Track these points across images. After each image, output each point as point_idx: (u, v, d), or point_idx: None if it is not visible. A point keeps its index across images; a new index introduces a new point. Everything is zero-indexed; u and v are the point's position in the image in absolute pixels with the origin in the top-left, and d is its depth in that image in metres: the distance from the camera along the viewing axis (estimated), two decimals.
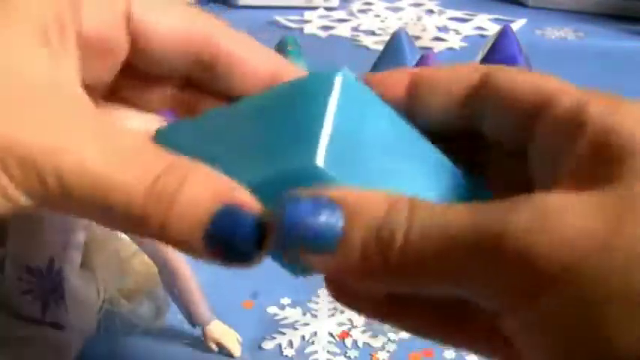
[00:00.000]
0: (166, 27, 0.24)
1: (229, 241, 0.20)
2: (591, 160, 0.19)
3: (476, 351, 0.25)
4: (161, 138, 0.25)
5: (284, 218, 0.19)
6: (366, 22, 1.09)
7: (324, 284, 0.23)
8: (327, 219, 0.19)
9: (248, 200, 0.20)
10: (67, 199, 0.20)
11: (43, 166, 0.19)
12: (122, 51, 0.25)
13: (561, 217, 0.18)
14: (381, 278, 0.20)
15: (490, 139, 0.24)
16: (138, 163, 0.20)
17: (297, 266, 0.22)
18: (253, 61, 0.26)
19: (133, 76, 0.26)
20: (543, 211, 0.18)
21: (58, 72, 0.22)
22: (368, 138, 0.22)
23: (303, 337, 0.47)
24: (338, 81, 0.22)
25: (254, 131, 0.23)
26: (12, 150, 0.19)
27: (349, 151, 0.21)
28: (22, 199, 0.20)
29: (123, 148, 0.20)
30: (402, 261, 0.19)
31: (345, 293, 0.23)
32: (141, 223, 0.20)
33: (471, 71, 0.25)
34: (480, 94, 0.24)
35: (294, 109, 0.22)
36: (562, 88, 0.23)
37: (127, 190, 0.20)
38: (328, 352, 0.46)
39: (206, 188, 0.20)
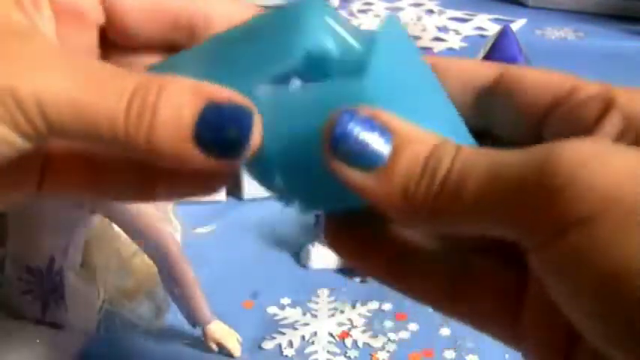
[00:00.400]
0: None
1: (220, 136, 0.20)
2: (623, 135, 0.20)
3: (479, 325, 0.25)
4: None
5: (336, 126, 0.19)
6: (366, 22, 1.09)
7: (324, 235, 0.23)
8: (379, 138, 0.20)
9: (232, 94, 0.21)
10: (54, 133, 0.20)
11: (27, 104, 0.20)
12: (96, 19, 0.25)
13: (606, 154, 0.18)
14: (418, 212, 0.20)
15: (503, 140, 0.24)
16: (112, 85, 0.20)
17: (301, 198, 0.22)
18: (230, 16, 0.25)
19: (115, 46, 0.26)
20: (590, 147, 0.18)
21: (35, 27, 0.22)
22: (405, 75, 0.22)
23: (303, 337, 0.47)
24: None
25: (251, 47, 0.23)
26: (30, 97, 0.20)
27: (389, 80, 0.21)
28: (18, 141, 0.20)
29: (96, 76, 0.21)
30: (443, 196, 0.19)
31: (344, 244, 0.23)
32: (128, 143, 0.20)
33: (485, 70, 0.24)
34: (493, 94, 0.24)
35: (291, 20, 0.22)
36: (579, 83, 0.23)
37: (108, 113, 0.20)
38: (328, 352, 0.46)
39: (185, 92, 0.20)
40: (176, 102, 0.20)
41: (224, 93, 0.21)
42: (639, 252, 0.17)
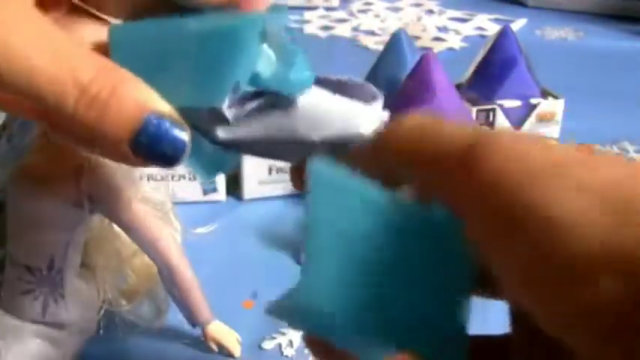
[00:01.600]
0: None
1: (154, 147, 0.22)
2: None
3: None
4: (114, 34, 0.25)
5: None
6: (366, 22, 1.09)
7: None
8: None
9: (171, 112, 0.22)
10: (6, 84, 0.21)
11: None
12: None
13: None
14: None
15: None
16: (73, 60, 0.21)
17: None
18: None
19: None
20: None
21: None
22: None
23: (303, 338, 0.47)
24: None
25: (190, 57, 0.23)
26: None
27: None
28: None
29: (60, 46, 0.21)
30: None
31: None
32: (71, 119, 0.21)
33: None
34: None
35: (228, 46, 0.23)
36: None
37: (60, 82, 0.21)
38: None
39: (134, 98, 0.22)
40: (125, 105, 0.21)
41: (166, 108, 0.22)
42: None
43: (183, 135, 0.22)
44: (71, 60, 0.21)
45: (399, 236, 0.21)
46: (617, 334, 0.16)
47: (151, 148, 0.22)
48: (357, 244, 0.21)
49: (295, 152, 0.26)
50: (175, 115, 0.22)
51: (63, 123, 0.22)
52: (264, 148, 0.26)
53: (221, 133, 0.24)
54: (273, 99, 0.25)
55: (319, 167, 0.21)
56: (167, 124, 0.22)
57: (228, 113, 0.24)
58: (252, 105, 0.25)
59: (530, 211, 0.17)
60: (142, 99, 0.22)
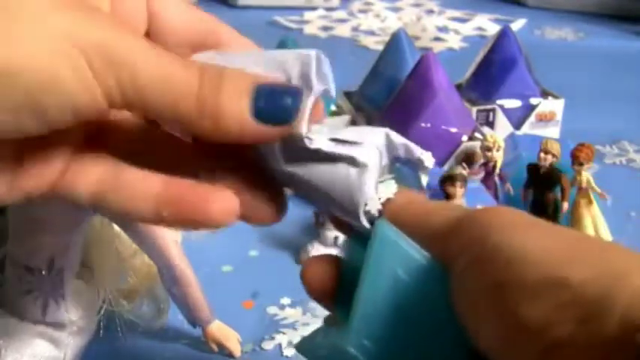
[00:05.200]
0: (178, 14, 0.27)
1: (273, 103, 0.24)
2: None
3: None
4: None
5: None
6: (366, 22, 1.09)
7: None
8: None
9: (279, 79, 0.24)
10: (135, 94, 0.22)
11: (120, 62, 0.22)
12: (141, 22, 0.27)
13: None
14: None
15: None
16: (176, 61, 0.23)
17: None
18: (242, 47, 0.28)
19: None
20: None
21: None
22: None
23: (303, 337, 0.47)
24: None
25: None
26: (99, 49, 0.22)
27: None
28: (99, 97, 0.22)
29: (169, 54, 0.23)
30: None
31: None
32: (198, 112, 0.23)
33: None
34: None
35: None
36: None
37: (185, 81, 0.23)
38: None
39: (241, 75, 0.24)
40: (236, 83, 0.23)
41: (271, 78, 0.24)
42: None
43: (295, 88, 0.24)
44: (183, 62, 0.23)
45: (430, 299, 0.24)
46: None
47: (271, 107, 0.24)
48: (403, 302, 0.24)
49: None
50: (276, 78, 0.24)
51: (187, 116, 0.23)
52: (322, 194, 0.26)
53: (282, 163, 0.26)
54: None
55: (385, 228, 0.24)
56: (273, 85, 0.24)
57: None
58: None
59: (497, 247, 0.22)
60: (246, 74, 0.24)
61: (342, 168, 0.25)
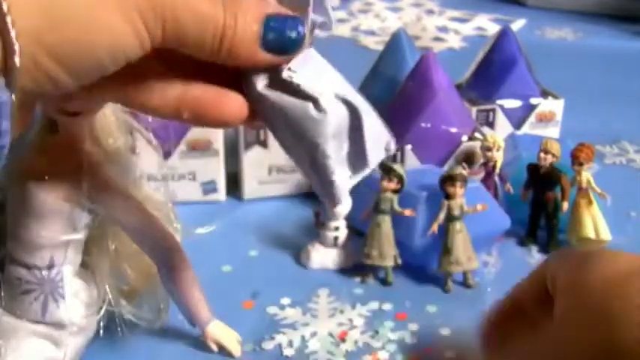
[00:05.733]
0: None
1: (281, 36, 0.27)
2: None
3: None
4: None
5: None
6: (366, 22, 1.09)
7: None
8: None
9: (287, 11, 0.28)
10: (174, 34, 0.25)
11: (166, 11, 0.25)
12: None
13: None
14: None
15: None
16: (211, 2, 0.26)
17: None
18: None
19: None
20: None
21: None
22: None
23: (303, 337, 0.47)
24: None
25: None
26: (151, 1, 0.24)
27: None
28: (147, 43, 0.25)
29: None
30: None
31: None
32: (219, 44, 0.26)
33: None
34: None
35: None
36: None
37: (213, 17, 0.26)
38: (328, 352, 0.46)
39: (254, 8, 0.27)
40: (249, 15, 0.27)
41: (280, 10, 0.27)
42: None
43: (298, 19, 0.28)
44: (205, 5, 0.26)
45: None
46: None
47: (278, 38, 0.27)
48: None
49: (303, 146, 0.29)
50: (283, 10, 0.28)
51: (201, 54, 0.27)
52: (283, 123, 0.29)
53: (260, 85, 0.28)
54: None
55: None
56: (282, 17, 0.27)
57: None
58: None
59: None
60: (259, 10, 0.27)
61: (307, 106, 0.28)
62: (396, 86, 0.66)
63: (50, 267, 0.39)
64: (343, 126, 0.29)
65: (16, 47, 0.22)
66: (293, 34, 0.27)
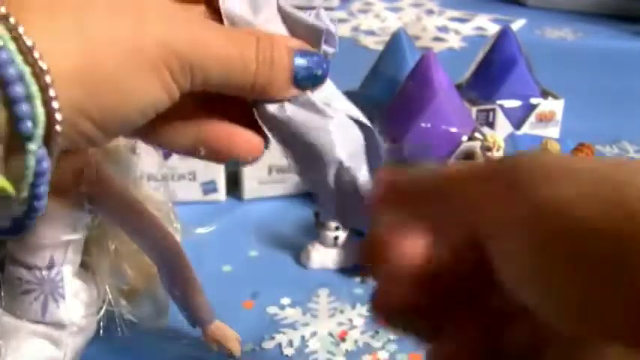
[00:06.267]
0: None
1: (311, 74, 0.29)
2: None
3: None
4: None
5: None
6: (366, 22, 1.09)
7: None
8: None
9: (303, 44, 0.29)
10: (204, 83, 0.26)
11: (192, 60, 0.25)
12: None
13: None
14: None
15: None
16: (241, 44, 0.27)
17: None
18: None
19: None
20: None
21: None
22: None
23: (303, 337, 0.47)
24: None
25: None
26: (179, 56, 0.25)
27: None
28: (176, 94, 0.26)
29: (229, 35, 0.27)
30: None
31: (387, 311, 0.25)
32: (252, 86, 0.27)
33: None
34: None
35: None
36: None
37: (246, 65, 0.27)
38: (328, 351, 0.46)
39: (284, 45, 0.28)
40: (281, 53, 0.28)
41: (305, 45, 0.29)
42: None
43: (322, 57, 0.29)
44: (239, 39, 0.27)
45: None
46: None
47: (308, 76, 0.28)
48: None
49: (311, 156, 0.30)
50: (306, 45, 0.29)
51: (241, 89, 0.28)
52: (291, 135, 0.29)
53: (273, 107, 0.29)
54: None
55: None
56: (308, 53, 0.29)
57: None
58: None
59: None
60: (289, 46, 0.28)
61: (327, 122, 0.29)
62: (396, 86, 0.66)
63: (50, 267, 0.39)
64: (359, 147, 0.30)
65: (59, 117, 0.23)
66: (319, 72, 0.29)
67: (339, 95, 0.30)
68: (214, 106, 0.29)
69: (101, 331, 0.42)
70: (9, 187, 0.23)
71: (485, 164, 0.24)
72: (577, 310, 0.19)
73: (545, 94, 0.72)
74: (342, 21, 1.09)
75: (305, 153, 0.29)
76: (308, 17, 0.29)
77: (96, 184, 0.39)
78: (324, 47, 0.29)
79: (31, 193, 0.24)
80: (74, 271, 0.40)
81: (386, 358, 0.45)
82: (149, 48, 0.24)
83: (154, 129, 0.28)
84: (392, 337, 0.47)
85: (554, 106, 0.71)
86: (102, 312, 0.42)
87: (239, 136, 0.29)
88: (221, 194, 0.63)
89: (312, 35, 0.29)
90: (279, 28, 0.29)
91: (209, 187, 0.62)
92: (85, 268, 0.42)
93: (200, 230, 0.57)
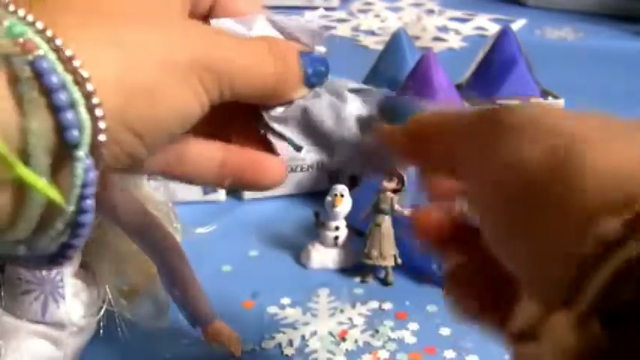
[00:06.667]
0: None
1: (317, 72, 0.30)
2: None
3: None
4: None
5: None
6: (366, 22, 1.09)
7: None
8: None
9: (298, 46, 0.30)
10: (231, 93, 0.27)
11: (220, 68, 0.26)
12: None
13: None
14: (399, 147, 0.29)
15: None
16: (256, 48, 0.28)
17: None
18: None
19: None
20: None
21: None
22: None
23: (303, 337, 0.47)
24: None
25: None
26: (208, 67, 0.26)
27: None
28: (207, 104, 0.26)
29: (244, 43, 0.28)
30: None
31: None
32: (273, 90, 0.29)
33: None
34: None
35: None
36: None
37: (266, 70, 0.28)
38: (328, 351, 0.46)
39: (291, 46, 0.30)
40: (291, 53, 0.29)
41: (303, 47, 0.30)
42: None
43: (321, 53, 0.31)
44: (256, 48, 0.28)
45: None
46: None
47: (316, 74, 0.30)
48: None
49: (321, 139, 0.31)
50: (300, 46, 0.30)
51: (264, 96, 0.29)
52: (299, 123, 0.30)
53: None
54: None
55: None
56: (310, 53, 0.30)
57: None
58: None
59: None
60: (294, 49, 0.29)
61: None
62: (396, 86, 0.66)
63: (50, 267, 0.39)
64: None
65: (103, 125, 0.23)
66: (323, 68, 0.30)
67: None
68: (227, 133, 0.30)
69: (101, 331, 0.43)
70: (58, 197, 0.22)
71: (468, 118, 0.26)
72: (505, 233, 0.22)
73: (545, 94, 0.72)
74: (342, 21, 1.09)
75: (322, 138, 0.31)
76: (298, 21, 0.31)
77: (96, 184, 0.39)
78: (317, 47, 0.31)
79: (77, 207, 0.23)
80: (74, 271, 0.40)
81: (386, 357, 0.45)
82: (180, 58, 0.25)
83: (176, 159, 0.28)
84: (392, 336, 0.47)
85: (554, 106, 0.71)
86: (102, 312, 0.42)
87: (268, 162, 0.30)
88: (221, 194, 0.63)
89: (306, 37, 0.30)
90: (276, 36, 0.30)
91: (209, 187, 0.62)
92: (85, 268, 0.42)
93: (200, 230, 0.57)
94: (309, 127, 0.30)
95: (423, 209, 0.30)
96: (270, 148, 0.30)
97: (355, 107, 0.31)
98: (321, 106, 0.30)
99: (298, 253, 0.55)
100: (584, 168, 0.20)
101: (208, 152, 0.29)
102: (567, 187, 0.20)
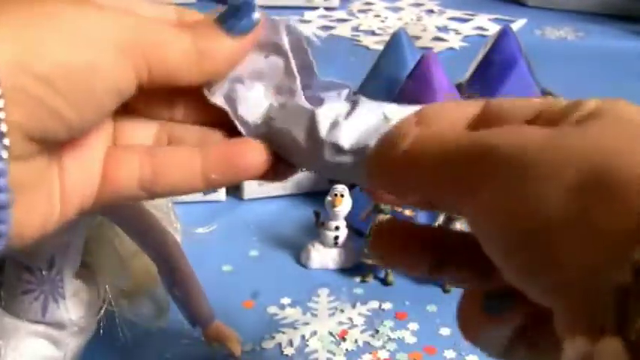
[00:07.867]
0: None
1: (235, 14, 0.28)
2: None
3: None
4: None
5: None
6: (366, 22, 1.09)
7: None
8: None
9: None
10: (160, 70, 0.26)
11: (150, 50, 0.26)
12: None
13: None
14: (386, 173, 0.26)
15: None
16: (166, 30, 0.27)
17: None
18: None
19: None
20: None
21: None
22: None
23: (303, 337, 0.47)
24: None
25: None
26: (134, 43, 0.25)
27: None
28: (134, 78, 0.26)
29: (161, 21, 0.27)
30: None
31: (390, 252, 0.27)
32: (197, 58, 0.27)
33: None
34: None
35: None
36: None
37: (180, 44, 0.27)
38: (328, 351, 0.46)
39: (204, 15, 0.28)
40: (201, 17, 0.28)
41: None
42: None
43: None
44: (167, 27, 0.27)
45: None
46: None
47: (236, 20, 0.28)
48: None
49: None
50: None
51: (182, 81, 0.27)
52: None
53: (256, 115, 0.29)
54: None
55: None
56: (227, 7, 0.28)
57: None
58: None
59: None
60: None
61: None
62: (396, 86, 0.66)
63: (50, 267, 0.39)
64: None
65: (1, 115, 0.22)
66: (245, 16, 0.29)
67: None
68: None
69: (101, 331, 0.43)
70: None
71: (470, 144, 0.23)
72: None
73: (545, 94, 0.72)
74: (342, 21, 1.09)
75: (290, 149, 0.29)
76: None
77: None
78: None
79: None
80: (74, 271, 0.40)
81: (386, 357, 0.45)
82: (105, 35, 0.25)
83: (157, 172, 0.28)
84: (392, 336, 0.47)
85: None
86: (102, 312, 0.42)
87: (246, 144, 0.28)
88: (221, 194, 0.63)
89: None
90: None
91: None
92: (85, 268, 0.42)
93: (200, 230, 0.57)
94: (276, 138, 0.29)
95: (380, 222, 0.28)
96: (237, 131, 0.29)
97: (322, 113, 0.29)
98: (286, 115, 0.29)
99: (298, 253, 0.56)
100: (619, 188, 0.18)
101: (185, 157, 0.28)
102: (598, 213, 0.18)
